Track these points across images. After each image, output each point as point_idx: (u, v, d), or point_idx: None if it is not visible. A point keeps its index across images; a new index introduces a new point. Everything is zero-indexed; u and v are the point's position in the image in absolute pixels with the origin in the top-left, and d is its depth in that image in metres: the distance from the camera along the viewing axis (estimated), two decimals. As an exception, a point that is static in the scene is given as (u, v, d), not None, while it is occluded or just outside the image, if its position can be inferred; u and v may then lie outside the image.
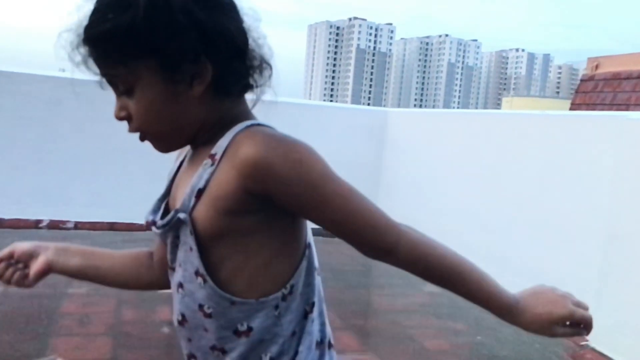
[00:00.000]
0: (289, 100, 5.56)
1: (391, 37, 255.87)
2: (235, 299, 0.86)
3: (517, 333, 3.26)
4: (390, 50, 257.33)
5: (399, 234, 0.87)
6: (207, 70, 0.84)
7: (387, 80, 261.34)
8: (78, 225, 4.75)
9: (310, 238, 0.94)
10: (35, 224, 4.66)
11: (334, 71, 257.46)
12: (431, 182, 4.94)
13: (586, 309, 0.91)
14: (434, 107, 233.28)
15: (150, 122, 0.86)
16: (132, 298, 3.16)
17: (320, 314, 0.95)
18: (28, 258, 1.01)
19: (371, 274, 4.68)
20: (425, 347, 3.00)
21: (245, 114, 0.91)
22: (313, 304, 0.92)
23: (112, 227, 4.81)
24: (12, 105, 4.66)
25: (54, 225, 4.68)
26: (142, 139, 0.89)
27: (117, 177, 4.86)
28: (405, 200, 5.21)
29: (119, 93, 0.86)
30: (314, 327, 0.92)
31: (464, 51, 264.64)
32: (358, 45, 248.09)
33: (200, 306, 0.88)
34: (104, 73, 0.86)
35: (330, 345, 0.98)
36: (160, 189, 0.99)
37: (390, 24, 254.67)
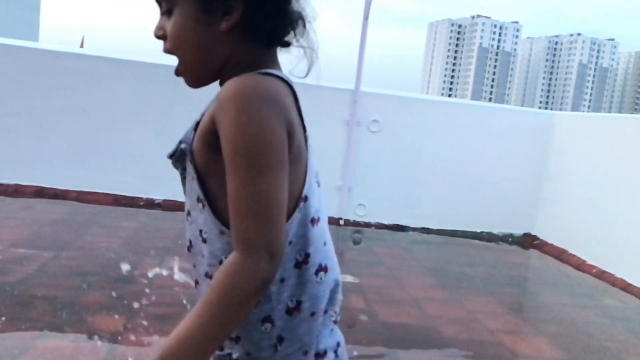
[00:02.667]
0: (455, 100, 5.52)
1: (516, 36, 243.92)
2: (224, 229, 0.88)
3: None
4: (515, 49, 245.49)
5: (250, 252, 0.81)
6: (238, 9, 0.88)
7: (510, 80, 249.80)
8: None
9: (310, 192, 0.93)
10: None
11: (453, 70, 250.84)
12: (605, 190, 4.66)
13: None
14: (560, 109, 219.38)
15: (179, 45, 0.92)
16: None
17: (324, 267, 0.95)
18: None
19: (542, 279, 4.54)
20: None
21: (268, 64, 0.92)
22: (307, 255, 0.91)
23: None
24: (197, 96, 5.07)
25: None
26: (176, 73, 0.96)
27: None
28: (573, 208, 4.97)
29: (162, 12, 0.94)
30: (328, 276, 0.94)
31: (598, 51, 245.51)
32: (480, 44, 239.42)
33: (200, 231, 0.92)
34: None
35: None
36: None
37: (516, 22, 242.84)
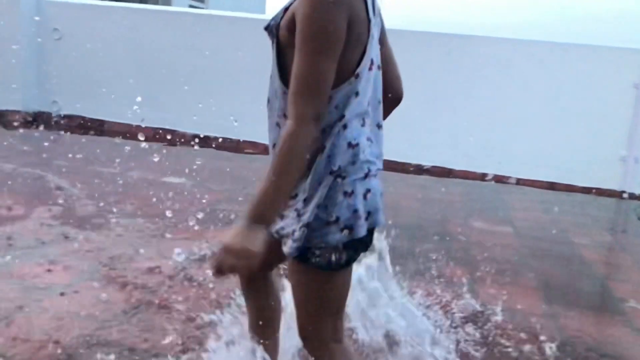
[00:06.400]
0: None
1: None
2: (286, 90, 1.14)
3: None
4: None
5: (302, 121, 1.07)
6: None
7: None
8: (520, 182, 4.94)
9: (363, 72, 1.15)
10: (482, 177, 5.01)
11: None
12: None
13: (213, 267, 1.11)
14: None
15: None
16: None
17: (360, 126, 1.17)
18: None
19: None
20: None
21: None
22: (343, 117, 1.14)
23: (552, 186, 4.86)
24: (470, 65, 5.06)
25: (498, 179, 4.96)
26: None
27: (558, 137, 4.87)
28: None
29: None
30: (347, 132, 1.14)
31: None
32: None
33: (275, 91, 1.21)
34: None
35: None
36: None
37: None
